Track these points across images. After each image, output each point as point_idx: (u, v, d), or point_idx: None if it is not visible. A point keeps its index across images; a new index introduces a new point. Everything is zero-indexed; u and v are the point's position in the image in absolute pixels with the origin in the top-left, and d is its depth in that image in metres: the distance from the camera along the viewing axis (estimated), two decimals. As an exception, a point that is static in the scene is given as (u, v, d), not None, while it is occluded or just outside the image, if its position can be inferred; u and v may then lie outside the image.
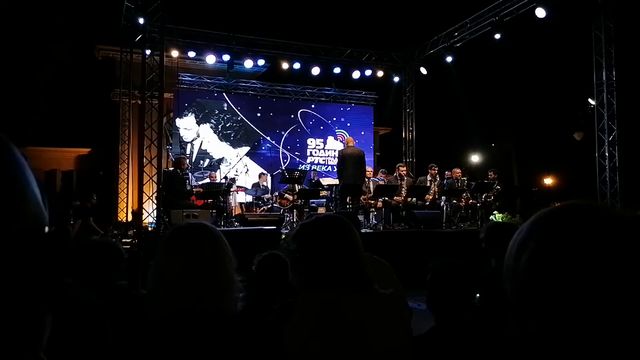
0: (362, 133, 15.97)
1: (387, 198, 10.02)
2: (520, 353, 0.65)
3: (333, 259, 1.52)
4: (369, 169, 10.74)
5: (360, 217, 9.39)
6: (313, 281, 1.53)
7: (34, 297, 0.42)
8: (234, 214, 10.44)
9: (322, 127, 15.80)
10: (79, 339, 1.18)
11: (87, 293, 1.28)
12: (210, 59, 13.05)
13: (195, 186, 10.43)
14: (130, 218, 13.37)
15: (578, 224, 0.60)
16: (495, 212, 10.32)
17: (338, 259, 1.52)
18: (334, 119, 16.00)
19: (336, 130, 15.81)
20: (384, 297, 1.55)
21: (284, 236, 8.06)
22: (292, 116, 15.60)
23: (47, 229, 0.44)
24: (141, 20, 9.96)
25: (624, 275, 0.56)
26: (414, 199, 10.21)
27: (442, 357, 1.84)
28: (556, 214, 0.63)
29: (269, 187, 11.71)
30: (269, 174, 12.15)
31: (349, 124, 16.06)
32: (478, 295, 3.03)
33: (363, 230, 8.10)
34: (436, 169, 10.76)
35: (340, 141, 15.54)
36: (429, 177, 10.76)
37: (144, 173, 9.12)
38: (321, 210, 11.14)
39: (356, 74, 14.35)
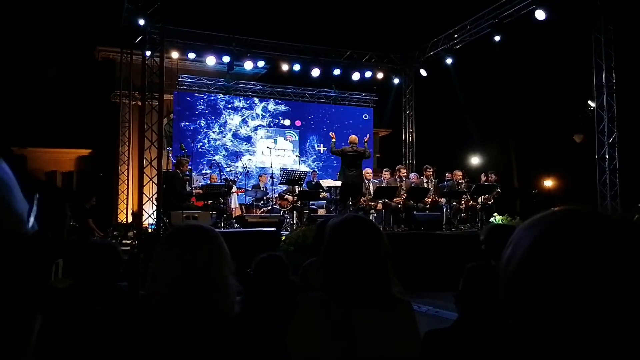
0: (368, 135, 15.92)
1: (387, 200, 10.02)
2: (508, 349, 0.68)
3: (359, 268, 1.47)
4: (369, 170, 10.75)
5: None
6: (333, 285, 1.50)
7: (13, 299, 0.42)
8: (233, 216, 10.43)
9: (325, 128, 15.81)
10: (80, 345, 1.18)
11: (88, 297, 1.28)
12: (210, 61, 13.06)
13: (195, 187, 10.43)
14: (130, 219, 13.36)
15: (556, 227, 0.62)
16: (495, 214, 10.32)
17: (363, 269, 1.47)
18: (334, 120, 15.98)
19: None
20: (400, 313, 1.52)
21: (284, 238, 8.05)
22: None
23: (30, 228, 0.44)
24: (141, 22, 9.98)
25: (586, 277, 0.57)
26: (414, 200, 10.20)
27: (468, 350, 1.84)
28: (538, 219, 0.66)
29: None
30: (268, 175, 12.12)
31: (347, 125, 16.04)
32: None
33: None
34: (431, 169, 10.73)
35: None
36: (424, 179, 10.74)
37: (144, 174, 9.12)
38: (321, 212, 11.13)
39: (356, 76, 14.36)
